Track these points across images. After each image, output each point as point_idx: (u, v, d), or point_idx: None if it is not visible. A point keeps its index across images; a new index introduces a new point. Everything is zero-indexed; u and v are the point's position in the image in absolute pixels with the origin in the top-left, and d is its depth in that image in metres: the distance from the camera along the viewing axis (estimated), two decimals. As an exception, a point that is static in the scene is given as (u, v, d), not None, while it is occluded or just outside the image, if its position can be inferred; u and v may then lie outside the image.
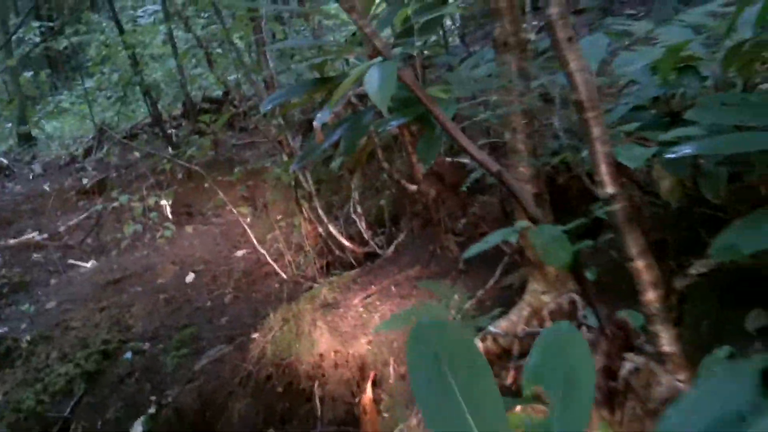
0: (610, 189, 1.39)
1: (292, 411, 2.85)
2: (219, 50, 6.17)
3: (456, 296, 2.27)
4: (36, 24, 10.38)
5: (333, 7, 6.68)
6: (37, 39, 11.03)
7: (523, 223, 1.47)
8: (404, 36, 2.39)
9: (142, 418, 3.62)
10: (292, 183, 4.06)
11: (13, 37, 10.10)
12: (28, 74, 10.87)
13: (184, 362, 3.98)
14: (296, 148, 4.03)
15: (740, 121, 1.45)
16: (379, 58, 1.61)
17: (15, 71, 9.75)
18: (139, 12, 8.81)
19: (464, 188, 2.31)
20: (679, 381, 1.44)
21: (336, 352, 2.61)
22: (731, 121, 1.45)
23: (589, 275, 1.64)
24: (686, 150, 1.44)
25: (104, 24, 11.90)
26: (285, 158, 4.06)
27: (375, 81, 1.50)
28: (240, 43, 5.41)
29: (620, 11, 6.47)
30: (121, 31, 6.43)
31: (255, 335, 3.32)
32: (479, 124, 2.15)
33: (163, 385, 3.80)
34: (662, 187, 1.84)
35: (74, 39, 10.29)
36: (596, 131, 1.36)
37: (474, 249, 1.53)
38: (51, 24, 10.88)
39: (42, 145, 9.49)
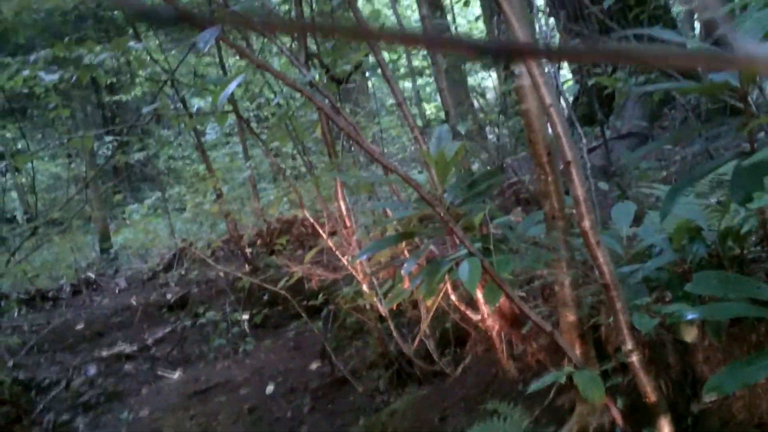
0: (629, 345, 1.95)
1: None
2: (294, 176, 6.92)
3: (516, 415, 2.79)
4: (109, 138, 11.35)
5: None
6: (108, 152, 12.06)
7: (569, 368, 2.03)
8: (470, 201, 3.00)
9: None
10: (368, 306, 4.65)
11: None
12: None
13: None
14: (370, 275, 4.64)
15: (728, 295, 2.01)
16: (463, 251, 2.23)
17: (95, 184, 10.70)
18: (207, 130, 9.72)
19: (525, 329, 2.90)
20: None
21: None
22: (721, 294, 2.01)
23: (619, 403, 2.19)
24: (690, 316, 2.00)
25: (172, 139, 12.95)
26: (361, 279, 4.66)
27: (465, 273, 2.11)
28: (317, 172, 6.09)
29: (660, 136, 7.08)
30: (209, 168, 7.23)
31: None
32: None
33: None
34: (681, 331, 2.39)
35: (143, 153, 11.28)
36: (618, 305, 1.93)
37: (534, 386, 2.09)
38: (119, 138, 11.83)
39: (122, 258, 10.32)
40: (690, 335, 2.35)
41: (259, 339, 6.66)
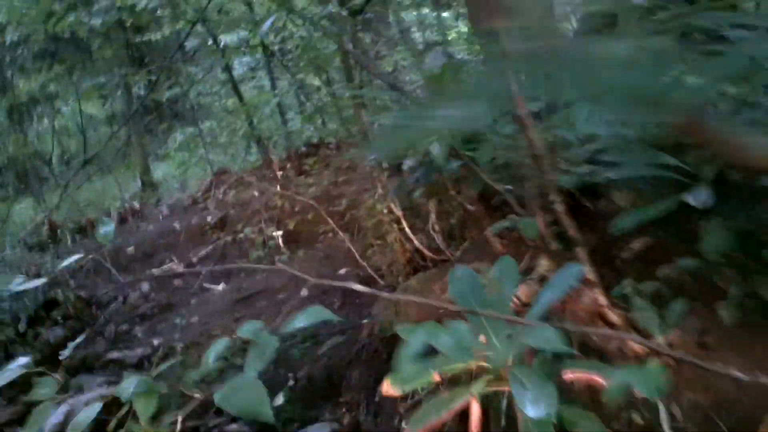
0: (554, 197, 2.64)
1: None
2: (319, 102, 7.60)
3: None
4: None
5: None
6: (142, 91, 12.81)
7: (515, 218, 2.73)
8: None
9: (282, 391, 4.94)
10: (385, 211, 5.36)
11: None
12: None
13: (309, 351, 5.31)
14: (386, 183, 5.34)
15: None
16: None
17: (136, 122, 11.48)
18: (235, 65, 10.38)
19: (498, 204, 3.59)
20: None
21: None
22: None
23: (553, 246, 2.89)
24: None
25: (200, 76, 13.58)
26: (380, 190, 5.36)
27: (437, 149, 2.79)
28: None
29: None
30: (241, 100, 7.91)
31: (364, 321, 4.64)
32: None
33: (296, 367, 5.12)
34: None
35: (174, 91, 11.97)
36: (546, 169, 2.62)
37: (494, 228, 2.79)
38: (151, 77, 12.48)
39: (162, 189, 11.14)
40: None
41: (293, 251, 7.42)
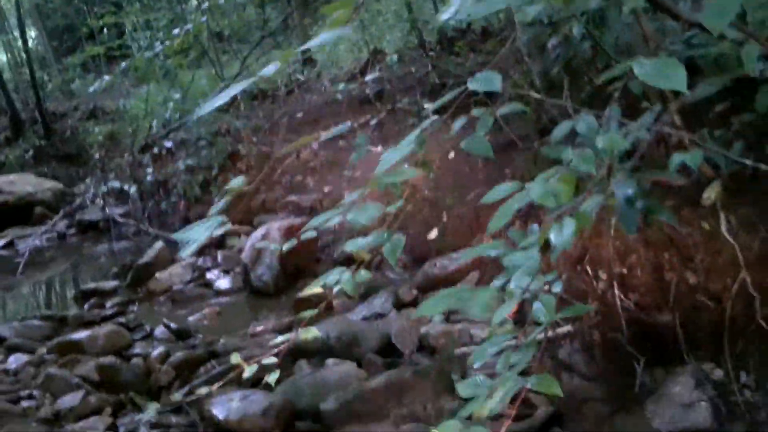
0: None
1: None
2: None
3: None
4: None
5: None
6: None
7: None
8: None
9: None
10: (526, 86, 6.53)
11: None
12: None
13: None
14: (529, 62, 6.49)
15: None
16: None
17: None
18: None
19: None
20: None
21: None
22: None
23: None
24: None
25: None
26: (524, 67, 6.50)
27: (576, 30, 3.96)
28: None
29: None
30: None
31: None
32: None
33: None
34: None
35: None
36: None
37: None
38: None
39: (322, 67, 12.56)
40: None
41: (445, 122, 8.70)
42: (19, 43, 17.65)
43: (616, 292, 4.16)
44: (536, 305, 1.99)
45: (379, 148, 8.96)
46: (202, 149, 9.45)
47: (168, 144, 10.03)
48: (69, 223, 10.87)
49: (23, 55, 17.21)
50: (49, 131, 15.11)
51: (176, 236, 2.16)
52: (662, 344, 4.07)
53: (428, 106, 8.90)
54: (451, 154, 8.04)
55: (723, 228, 3.87)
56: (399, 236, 2.09)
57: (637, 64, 1.69)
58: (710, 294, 3.95)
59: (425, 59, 9.34)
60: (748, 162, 3.25)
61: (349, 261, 2.42)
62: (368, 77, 10.07)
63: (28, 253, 9.30)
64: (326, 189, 8.37)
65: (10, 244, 10.45)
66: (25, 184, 11.78)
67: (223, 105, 10.48)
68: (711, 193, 3.86)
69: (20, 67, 18.92)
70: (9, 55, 19.85)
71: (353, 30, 12.92)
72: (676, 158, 2.76)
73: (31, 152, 14.76)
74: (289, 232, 7.04)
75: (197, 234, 1.96)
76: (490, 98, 2.37)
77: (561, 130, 2.84)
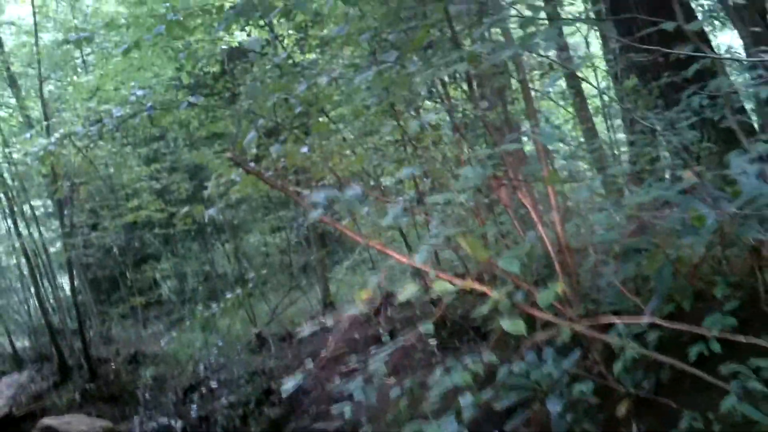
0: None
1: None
2: None
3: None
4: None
5: None
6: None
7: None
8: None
9: None
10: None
11: None
12: None
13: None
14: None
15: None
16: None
17: (312, 250, 15.00)
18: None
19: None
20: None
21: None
22: None
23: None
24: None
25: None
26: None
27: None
28: None
29: None
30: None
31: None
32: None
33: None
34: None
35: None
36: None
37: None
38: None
39: (340, 308, 14.51)
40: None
41: (445, 354, 10.46)
42: (63, 293, 19.94)
43: None
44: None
45: (392, 379, 10.64)
46: (241, 387, 11.18)
47: (213, 384, 11.77)
48: (122, 457, 12.39)
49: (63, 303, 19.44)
50: (94, 375, 16.87)
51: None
52: None
53: (432, 341, 10.71)
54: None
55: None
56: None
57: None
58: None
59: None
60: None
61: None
62: (380, 318, 11.95)
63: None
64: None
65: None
66: (79, 423, 13.39)
67: (255, 346, 12.36)
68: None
69: (63, 316, 21.03)
70: (55, 303, 22.04)
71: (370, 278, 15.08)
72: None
73: (77, 395, 16.43)
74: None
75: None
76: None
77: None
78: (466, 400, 5.17)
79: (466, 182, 4.40)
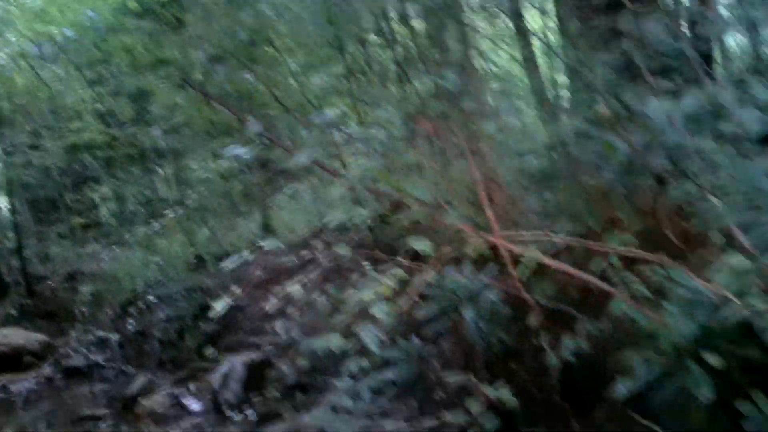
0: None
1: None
2: None
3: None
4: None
5: None
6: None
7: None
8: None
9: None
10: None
11: None
12: None
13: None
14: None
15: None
16: None
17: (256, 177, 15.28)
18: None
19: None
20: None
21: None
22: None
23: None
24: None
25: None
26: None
27: None
28: None
29: None
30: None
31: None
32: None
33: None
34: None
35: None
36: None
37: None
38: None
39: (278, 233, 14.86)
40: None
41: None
42: (1, 212, 19.96)
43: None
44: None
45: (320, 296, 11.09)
46: (179, 303, 11.52)
47: (152, 299, 12.08)
48: (56, 369, 12.65)
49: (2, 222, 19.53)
50: (32, 292, 17.06)
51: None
52: None
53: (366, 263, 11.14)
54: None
55: None
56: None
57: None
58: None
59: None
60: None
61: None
62: (316, 243, 12.32)
63: (25, 392, 11.09)
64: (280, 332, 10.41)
65: (3, 388, 12.18)
66: (17, 337, 13.62)
67: (193, 266, 12.72)
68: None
69: (1, 235, 21.00)
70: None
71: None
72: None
73: (14, 310, 16.62)
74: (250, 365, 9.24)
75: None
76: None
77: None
78: (380, 308, 5.52)
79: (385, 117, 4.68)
